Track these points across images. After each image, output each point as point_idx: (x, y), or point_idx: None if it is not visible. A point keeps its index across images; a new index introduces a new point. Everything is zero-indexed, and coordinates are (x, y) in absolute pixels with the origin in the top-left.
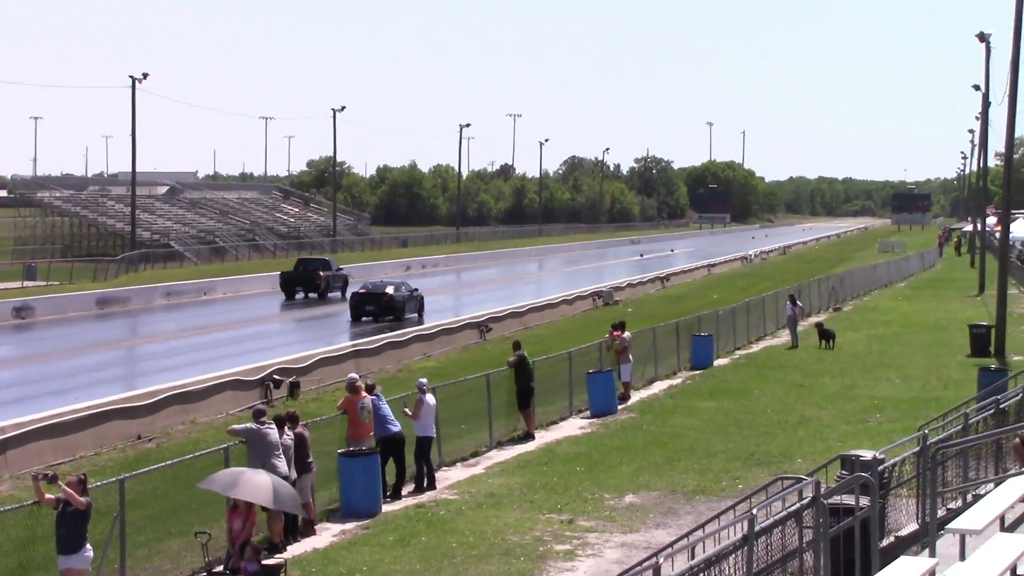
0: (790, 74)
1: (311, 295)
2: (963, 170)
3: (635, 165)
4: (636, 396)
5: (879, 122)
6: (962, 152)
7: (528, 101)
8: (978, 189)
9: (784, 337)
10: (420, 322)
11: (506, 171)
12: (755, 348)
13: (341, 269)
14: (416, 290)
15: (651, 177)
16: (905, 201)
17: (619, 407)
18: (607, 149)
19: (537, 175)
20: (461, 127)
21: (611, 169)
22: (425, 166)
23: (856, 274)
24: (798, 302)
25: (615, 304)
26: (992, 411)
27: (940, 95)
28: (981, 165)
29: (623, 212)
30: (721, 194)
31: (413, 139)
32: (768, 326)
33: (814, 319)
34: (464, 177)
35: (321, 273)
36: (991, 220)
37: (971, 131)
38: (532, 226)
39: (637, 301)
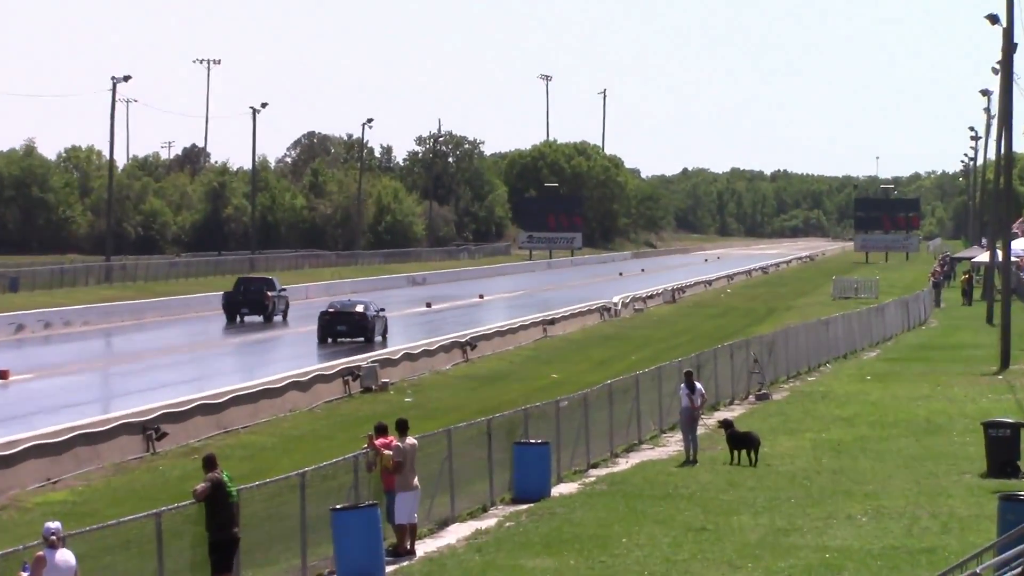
0: (677, 18)
1: (256, 318)
2: (972, 159)
3: (418, 149)
4: (421, 549)
5: (833, 87)
6: (972, 129)
7: (231, 40)
8: (997, 190)
9: (674, 445)
10: (384, 345)
11: (193, 158)
12: (624, 464)
13: (284, 290)
14: (383, 309)
15: (446, 170)
16: (877, 210)
17: (389, 569)
18: (370, 121)
19: (248, 164)
20: (115, 82)
21: (378, 156)
22: (53, 149)
23: (795, 336)
24: (698, 385)
25: (381, 389)
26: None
27: (930, 48)
28: (1003, 148)
29: (398, 229)
30: (565, 200)
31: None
32: (646, 427)
33: (723, 414)
34: (120, 169)
35: (268, 293)
36: (1022, 243)
37: (985, 94)
38: (238, 254)
39: (421, 384)
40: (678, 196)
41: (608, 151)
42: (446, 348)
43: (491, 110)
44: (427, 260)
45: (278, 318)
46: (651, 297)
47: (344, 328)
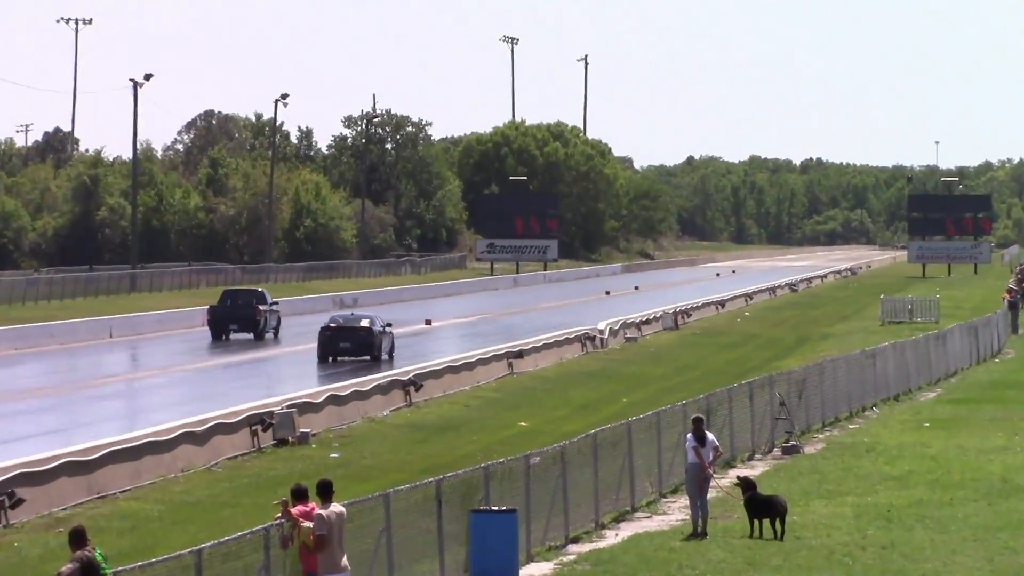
0: None
1: (246, 335)
2: None
3: (346, 133)
4: None
5: (880, 51)
6: None
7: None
8: None
9: (677, 513)
10: (391, 365)
11: (56, 146)
12: (612, 538)
13: (276, 303)
14: (389, 324)
15: (383, 159)
16: (937, 210)
17: None
18: (284, 98)
19: (128, 153)
20: None
21: (294, 142)
22: None
23: (833, 372)
24: (708, 435)
25: (300, 442)
26: None
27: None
28: None
29: (322, 236)
30: (536, 198)
31: None
32: (641, 489)
33: (741, 471)
34: None
35: (260, 307)
36: None
37: None
38: (115, 269)
39: (351, 435)
40: (682, 193)
41: (591, 135)
42: (383, 389)
43: (441, 83)
44: (359, 276)
45: (269, 335)
46: (647, 323)
47: (348, 345)
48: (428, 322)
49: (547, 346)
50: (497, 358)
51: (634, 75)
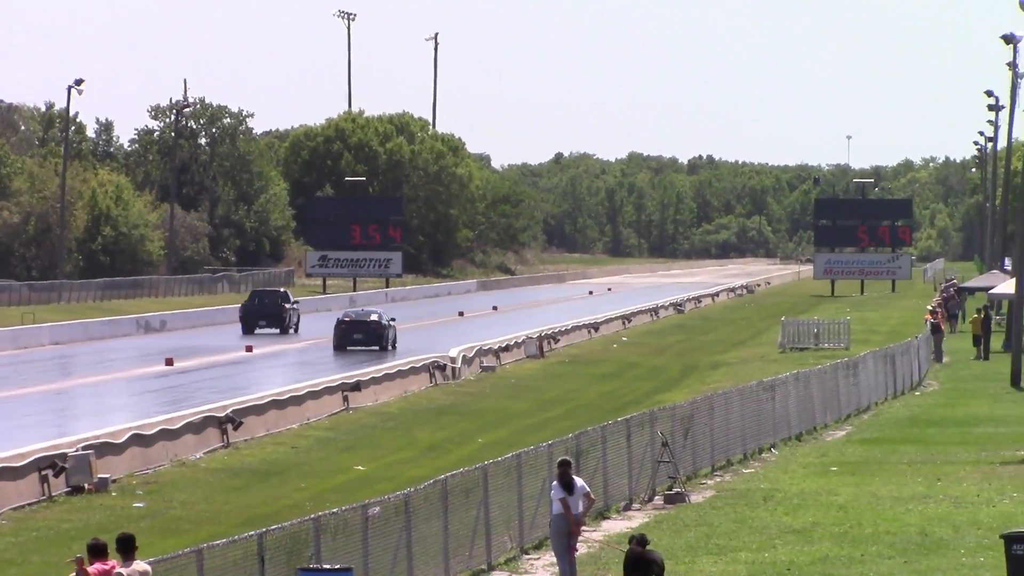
0: None
1: (273, 330)
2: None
3: (153, 126)
4: None
5: (782, 37)
6: (990, 95)
7: None
8: None
9: (541, 571)
10: (394, 356)
11: None
12: None
13: (297, 302)
14: (394, 319)
15: (196, 157)
16: (848, 217)
17: None
18: (79, 84)
19: None
20: None
21: (91, 136)
22: None
23: (724, 408)
24: (578, 481)
25: (98, 489)
26: None
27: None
28: None
29: (123, 247)
30: (376, 202)
31: None
32: (499, 544)
33: (617, 524)
34: None
35: (285, 305)
36: None
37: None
38: None
39: (158, 480)
40: (549, 196)
41: (441, 128)
42: (196, 427)
43: (263, 68)
44: (168, 294)
45: (291, 331)
46: (507, 349)
47: (360, 336)
48: (249, 349)
49: (389, 377)
50: (330, 391)
51: (492, 58)
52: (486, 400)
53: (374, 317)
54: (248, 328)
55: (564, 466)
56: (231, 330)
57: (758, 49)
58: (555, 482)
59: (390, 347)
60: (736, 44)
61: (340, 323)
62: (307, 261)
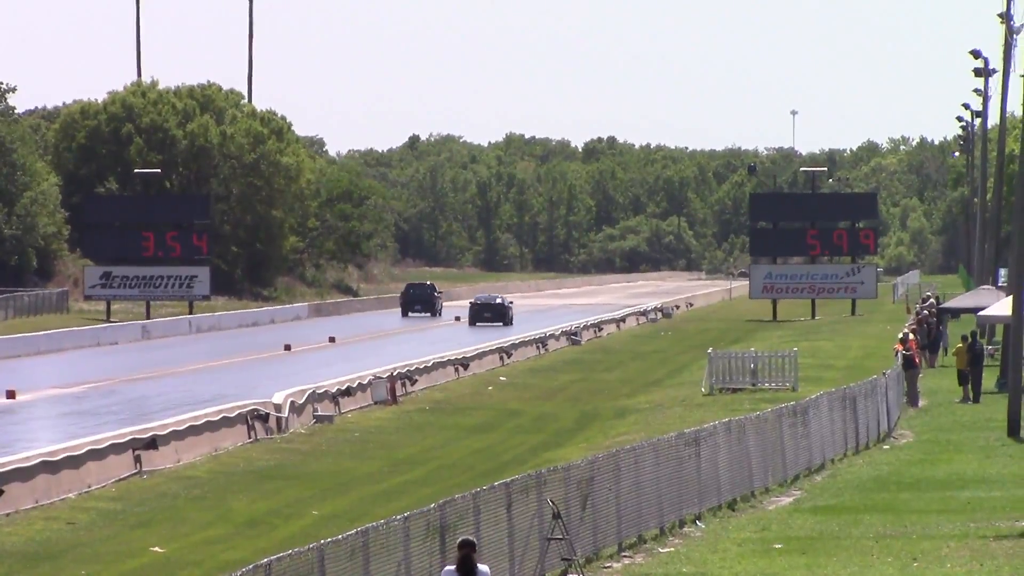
0: None
1: (425, 314)
2: (977, 113)
3: None
4: None
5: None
6: (976, 56)
7: None
8: None
9: None
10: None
11: None
12: None
13: (441, 293)
14: (512, 301)
15: None
16: (793, 217)
17: None
18: None
19: None
20: None
21: None
22: None
23: (634, 468)
24: (482, 568)
25: None
26: None
27: None
28: None
29: None
30: (175, 201)
31: None
32: None
33: None
34: None
35: (435, 295)
36: None
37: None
38: None
39: None
40: (403, 193)
41: (260, 104)
42: None
43: (27, 27)
44: None
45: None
46: (349, 393)
47: (489, 315)
48: (11, 395)
49: (195, 430)
50: (118, 449)
51: (325, 12)
52: (322, 460)
53: (498, 300)
54: (404, 311)
55: (466, 547)
56: None
57: (669, 1)
58: (451, 568)
59: (511, 323)
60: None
61: (474, 305)
62: (85, 279)
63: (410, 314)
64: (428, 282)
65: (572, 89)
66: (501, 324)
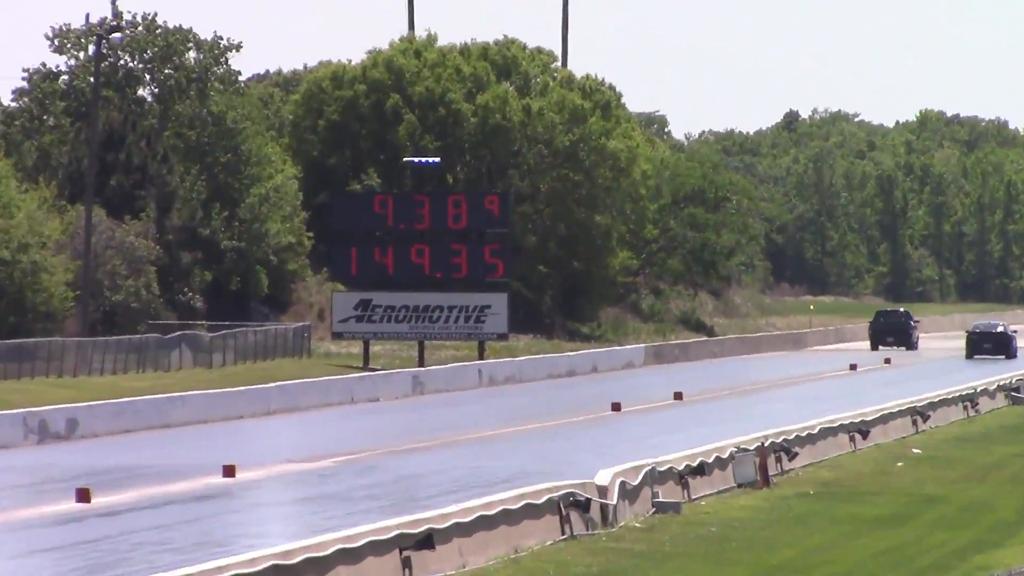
0: None
1: (900, 349)
2: None
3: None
4: None
5: None
6: None
7: None
8: None
9: None
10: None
11: None
12: None
13: (918, 322)
14: (1016, 330)
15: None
16: None
17: None
18: None
19: None
20: None
21: None
22: None
23: None
24: None
25: None
26: None
27: None
28: None
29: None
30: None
31: None
32: None
33: None
34: None
35: (910, 323)
36: None
37: None
38: None
39: None
40: (776, 193)
41: (578, 69)
42: None
43: None
44: (82, 371)
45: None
46: (701, 471)
47: (989, 346)
48: (229, 472)
49: (487, 522)
50: (378, 548)
51: None
52: (665, 566)
53: (1000, 329)
54: (875, 345)
55: None
56: (204, 432)
57: None
58: None
59: (1015, 356)
60: None
61: (971, 335)
62: (334, 311)
63: (880, 347)
64: (901, 308)
65: (1007, 55)
66: (1004, 357)
